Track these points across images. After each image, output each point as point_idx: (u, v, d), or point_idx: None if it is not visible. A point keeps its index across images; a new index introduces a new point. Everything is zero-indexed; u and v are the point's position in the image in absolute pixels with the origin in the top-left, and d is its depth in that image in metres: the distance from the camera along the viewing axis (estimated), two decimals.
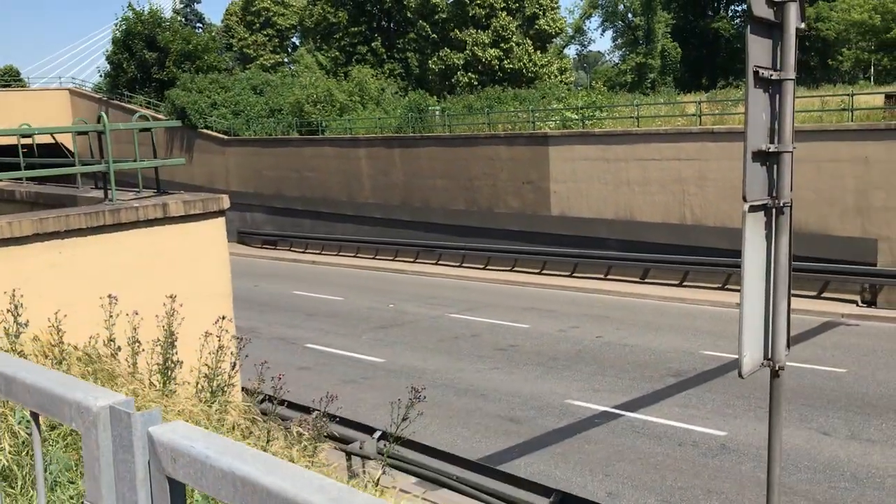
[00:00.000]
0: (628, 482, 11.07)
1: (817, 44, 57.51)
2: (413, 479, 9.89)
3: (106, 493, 1.36)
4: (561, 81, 49.38)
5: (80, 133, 11.55)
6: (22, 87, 62.67)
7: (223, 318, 7.77)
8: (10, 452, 4.26)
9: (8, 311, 7.20)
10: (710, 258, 23.32)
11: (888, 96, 25.54)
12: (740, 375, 5.22)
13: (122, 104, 47.03)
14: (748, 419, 13.09)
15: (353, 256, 34.24)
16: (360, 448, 10.20)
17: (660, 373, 16.04)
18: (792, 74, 5.26)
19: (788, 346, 5.56)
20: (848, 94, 24.13)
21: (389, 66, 51.42)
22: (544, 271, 27.60)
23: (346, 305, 24.74)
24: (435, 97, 40.81)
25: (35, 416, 1.55)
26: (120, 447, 1.32)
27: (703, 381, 15.37)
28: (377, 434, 10.16)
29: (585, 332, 19.78)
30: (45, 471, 4.16)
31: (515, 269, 28.70)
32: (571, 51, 69.60)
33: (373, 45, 51.82)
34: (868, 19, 52.03)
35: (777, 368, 5.44)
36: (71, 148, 12.11)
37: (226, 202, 9.28)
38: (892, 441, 11.95)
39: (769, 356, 5.43)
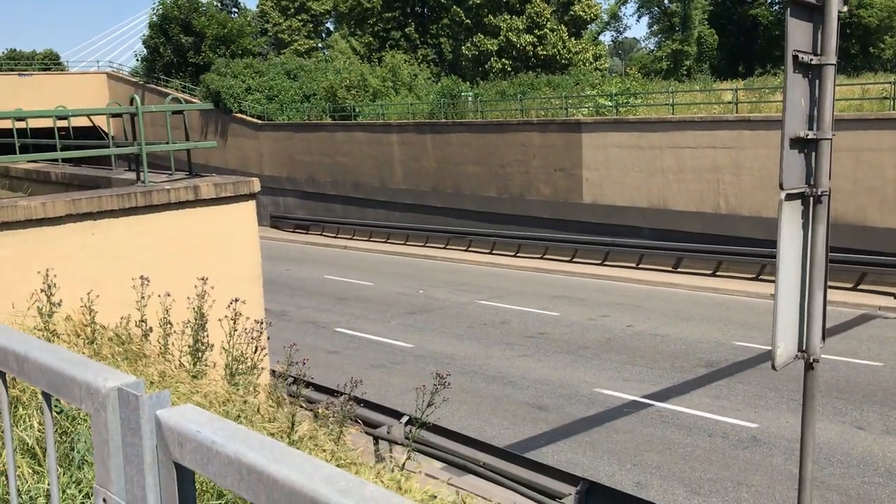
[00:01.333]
0: (657, 472, 10.97)
1: (858, 31, 56.28)
2: (439, 465, 9.88)
3: (115, 476, 1.34)
4: (595, 68, 48.88)
5: (114, 115, 11.64)
6: (61, 70, 63.59)
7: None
8: (38, 430, 4.30)
9: (41, 290, 7.29)
10: (744, 248, 22.97)
11: None
12: (774, 367, 5.10)
13: (158, 88, 47.49)
14: (780, 411, 12.90)
15: (384, 242, 34.30)
16: (388, 432, 10.22)
17: (691, 363, 15.86)
18: (833, 59, 5.10)
19: (824, 338, 5.43)
20: (890, 83, 23.55)
21: (423, 52, 51.29)
22: (575, 259, 27.42)
23: (377, 291, 24.80)
24: (468, 83, 40.63)
25: (47, 396, 1.53)
26: (128, 430, 1.30)
27: (735, 372, 15.17)
28: (404, 419, 10.17)
29: (616, 321, 19.62)
30: (73, 449, 4.19)
31: (546, 256, 28.55)
32: (606, 37, 68.82)
33: (406, 30, 51.72)
34: None
35: (811, 361, 5.31)
36: (107, 130, 12.22)
37: (256, 185, 9.31)
38: None
39: (803, 348, 5.31)
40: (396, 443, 9.92)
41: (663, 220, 25.60)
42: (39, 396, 4.79)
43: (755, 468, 11.02)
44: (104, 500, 1.36)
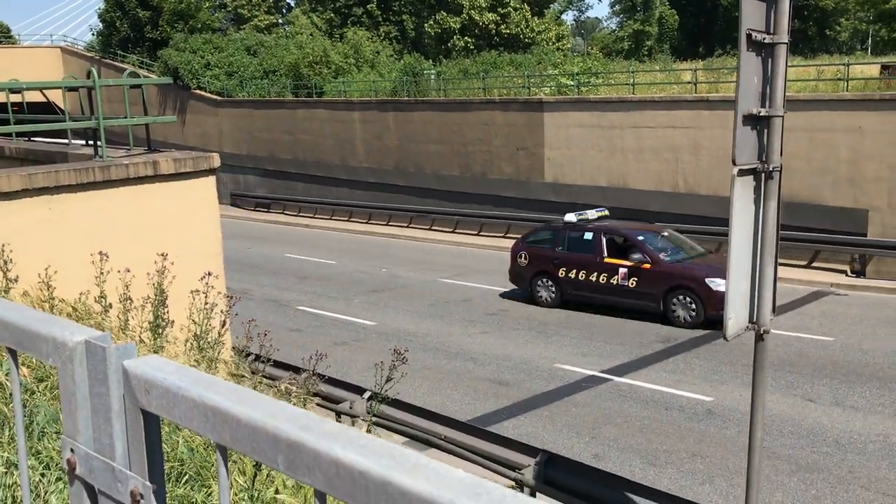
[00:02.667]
0: (614, 444, 11.21)
1: (815, 13, 57.20)
2: (401, 439, 9.99)
3: (82, 427, 1.38)
4: (558, 48, 49.02)
5: (70, 89, 11.43)
6: (12, 44, 61.90)
7: (213, 275, 7.79)
8: None
9: None
10: (702, 226, 23.36)
11: (884, 67, 25.48)
12: (725, 338, 5.27)
13: (115, 63, 46.53)
14: (735, 385, 13.24)
15: (347, 220, 34.21)
16: (350, 408, 10.30)
17: (649, 339, 16.17)
18: (785, 38, 5.23)
19: (774, 310, 5.61)
20: (844, 64, 24.04)
21: (385, 29, 50.93)
22: None
23: (339, 269, 24.77)
24: (430, 61, 40.49)
25: (13, 352, 1.57)
26: (95, 381, 1.34)
27: (692, 347, 15.51)
28: (367, 394, 10.25)
29: None
30: (33, 422, 4.19)
31: (509, 235, 28.70)
32: (569, 17, 68.96)
33: (368, 6, 51.27)
34: None
35: (762, 332, 5.49)
36: (62, 106, 12.00)
37: (216, 161, 9.24)
38: (875, 408, 12.12)
39: (754, 320, 5.48)
40: (359, 417, 10.01)
41: (623, 198, 25.89)
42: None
43: (710, 440, 11.32)
44: (72, 450, 1.41)
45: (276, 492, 4.21)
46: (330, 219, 34.98)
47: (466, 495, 0.87)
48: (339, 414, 10.36)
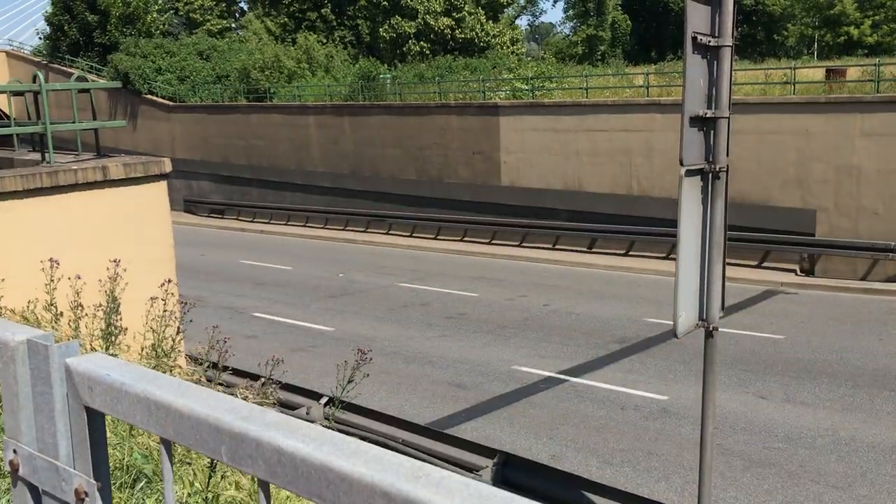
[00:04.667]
0: (571, 444, 11.32)
1: (763, 18, 58.46)
2: None
3: (25, 426, 1.37)
4: (512, 52, 49.34)
5: (15, 94, 11.19)
6: None
7: (168, 281, 7.68)
8: None
9: None
10: (655, 228, 23.72)
11: (829, 71, 26.15)
12: (675, 335, 5.36)
13: (64, 68, 45.60)
14: (689, 384, 13.44)
15: (303, 226, 33.98)
16: (307, 413, 10.23)
17: (604, 340, 16.35)
18: (730, 41, 5.36)
19: (723, 307, 5.73)
20: (790, 68, 24.63)
21: (340, 34, 50.74)
22: (494, 241, 27.79)
23: (295, 275, 24.60)
24: (386, 65, 40.45)
25: None
26: (38, 380, 1.33)
27: (646, 347, 15.72)
28: (324, 399, 10.20)
29: (533, 301, 20.03)
30: None
31: (465, 238, 28.82)
32: (523, 21, 69.48)
33: (322, 11, 51.03)
34: None
35: (711, 329, 5.60)
36: (7, 112, 11.74)
37: (168, 165, 9.13)
38: (824, 404, 12.41)
39: (704, 317, 5.59)
40: (315, 423, 9.96)
41: (579, 201, 26.17)
42: None
43: (665, 438, 11.48)
44: (14, 451, 1.40)
45: (224, 490, 4.18)
46: (286, 224, 34.72)
47: (406, 478, 0.89)
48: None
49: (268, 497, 1.05)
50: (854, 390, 12.88)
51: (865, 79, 23.63)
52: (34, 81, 9.56)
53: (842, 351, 15.00)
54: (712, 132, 5.46)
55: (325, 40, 47.85)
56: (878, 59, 25.59)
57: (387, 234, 30.95)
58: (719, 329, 5.75)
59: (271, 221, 35.33)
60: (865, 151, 20.48)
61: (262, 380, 7.86)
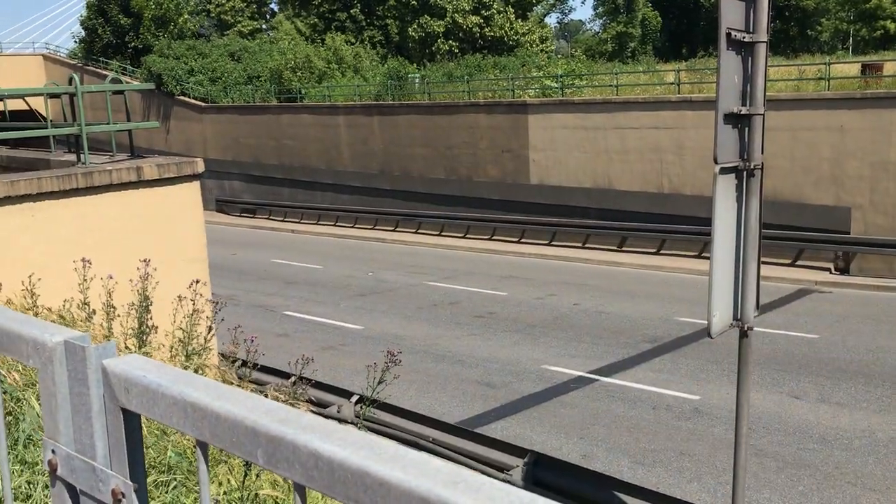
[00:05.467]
0: (602, 444, 11.24)
1: (797, 14, 57.65)
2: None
3: (63, 427, 1.38)
4: (541, 50, 49.17)
5: (52, 96, 11.37)
6: None
7: (198, 281, 7.75)
8: None
9: None
10: (687, 226, 23.49)
11: (864, 66, 25.70)
12: (709, 335, 5.30)
13: (98, 70, 46.29)
14: (721, 384, 13.30)
15: (333, 225, 34.16)
16: (338, 412, 10.28)
17: (635, 339, 16.22)
18: (764, 37, 5.28)
19: (758, 306, 5.65)
20: (825, 63, 24.24)
21: (369, 34, 50.91)
22: (523, 240, 27.70)
23: (325, 274, 24.73)
24: (414, 65, 40.52)
25: None
26: (76, 381, 1.34)
27: (678, 346, 15.57)
28: (354, 398, 10.23)
29: (563, 300, 19.93)
30: (18, 429, 4.17)
31: (494, 237, 28.76)
32: (552, 19, 69.20)
33: (352, 11, 51.24)
34: None
35: (745, 329, 5.53)
36: (44, 114, 11.92)
37: (200, 166, 9.22)
38: (860, 404, 12.20)
39: (738, 317, 5.52)
40: (346, 421, 9.99)
41: (608, 200, 26.00)
42: None
43: (697, 438, 11.37)
44: (53, 451, 1.41)
45: (261, 488, 4.20)
46: (316, 223, 34.92)
47: (444, 484, 0.88)
48: (326, 418, 10.35)
49: (304, 501, 1.05)
50: (892, 391, 12.65)
51: None
52: (70, 84, 9.70)
53: (878, 351, 14.74)
54: (747, 129, 5.38)
55: (354, 40, 48.05)
56: None
57: (416, 233, 30.99)
58: (754, 328, 5.66)
59: (302, 221, 35.56)
60: None
61: (293, 378, 7.90)
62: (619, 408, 12.62)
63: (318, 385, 10.74)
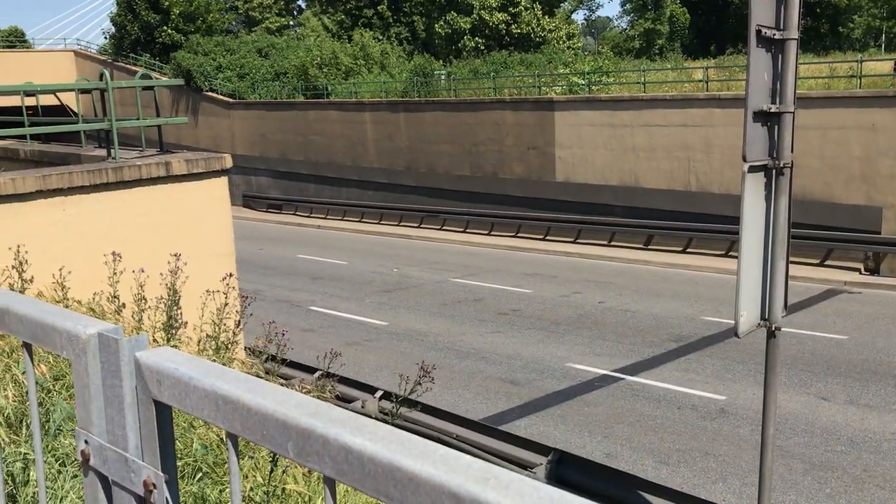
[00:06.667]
0: (626, 443, 11.19)
1: (828, 10, 56.86)
2: None
3: (96, 418, 1.40)
4: (568, 47, 48.93)
5: (83, 91, 11.51)
6: (27, 48, 62.34)
7: (229, 275, 7.82)
8: (13, 400, 4.33)
9: (13, 267, 7.26)
10: (714, 225, 23.28)
11: None
12: (736, 335, 5.25)
13: (127, 66, 46.82)
14: (747, 384, 13.18)
15: (358, 221, 34.28)
16: (362, 407, 10.32)
17: (660, 338, 16.11)
18: (795, 34, 5.21)
19: (786, 306, 5.59)
20: (856, 61, 23.88)
21: (395, 30, 50.98)
22: (548, 237, 27.61)
23: (351, 269, 24.83)
24: (441, 61, 40.52)
25: (28, 346, 1.59)
26: (108, 372, 1.36)
27: (704, 346, 15.44)
28: (378, 393, 10.27)
29: (587, 298, 19.85)
30: (49, 420, 4.23)
31: (519, 234, 28.71)
32: (579, 16, 68.84)
33: (378, 8, 51.34)
34: None
35: (773, 329, 5.47)
36: (75, 109, 12.08)
37: (228, 161, 9.29)
38: (889, 406, 12.04)
39: (766, 317, 5.47)
40: (371, 416, 10.04)
41: (635, 198, 25.83)
42: (13, 368, 4.82)
43: (723, 439, 11.28)
44: (86, 441, 1.43)
45: (286, 483, 4.23)
46: (342, 219, 35.06)
47: (474, 479, 0.88)
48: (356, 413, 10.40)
49: (333, 494, 1.05)
50: None
51: None
52: (101, 79, 9.82)
53: None
54: (776, 127, 5.32)
55: (381, 37, 48.12)
56: None
57: (441, 229, 31.01)
58: (781, 329, 5.60)
59: (328, 217, 35.71)
60: None
61: (319, 373, 7.95)
62: (643, 407, 12.55)
63: (343, 380, 10.81)
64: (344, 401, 10.60)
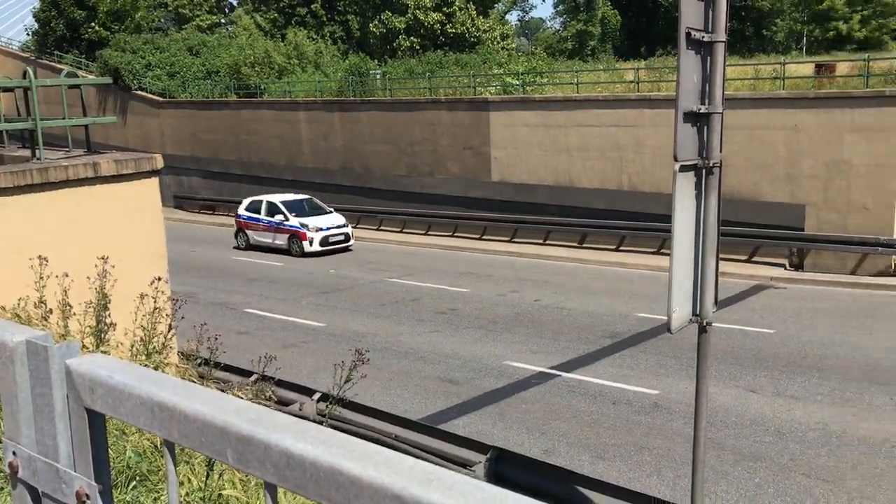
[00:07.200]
0: (563, 439, 11.34)
1: (752, 14, 58.63)
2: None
3: (25, 428, 1.36)
4: (503, 47, 49.34)
5: (4, 90, 11.10)
6: None
7: (158, 278, 7.64)
8: None
9: None
10: (646, 223, 23.78)
11: (818, 66, 26.25)
12: (669, 331, 5.37)
13: (52, 63, 45.31)
14: (680, 378, 13.50)
15: None
16: (300, 410, 10.22)
17: (596, 335, 16.38)
18: (723, 37, 5.36)
19: (716, 302, 5.74)
20: (780, 63, 24.70)
21: (330, 29, 50.61)
22: (485, 237, 27.80)
23: (286, 271, 24.55)
24: (376, 61, 40.39)
25: None
26: (38, 381, 1.32)
27: (638, 342, 15.76)
28: (316, 395, 10.18)
29: (524, 296, 20.05)
30: None
31: (456, 234, 28.82)
32: (513, 17, 69.44)
33: (312, 6, 50.88)
34: None
35: (704, 324, 5.61)
36: None
37: (159, 162, 9.08)
38: (814, 397, 12.48)
39: (697, 312, 5.60)
40: (309, 419, 9.94)
41: (569, 197, 26.20)
42: None
43: (656, 432, 11.52)
44: (14, 453, 1.38)
45: (223, 489, 4.16)
46: None
47: (418, 481, 0.88)
48: (298, 417, 10.28)
49: (275, 499, 1.04)
50: (844, 384, 12.96)
51: (854, 74, 23.73)
52: (24, 77, 9.48)
53: (831, 345, 15.09)
54: (706, 128, 5.47)
55: (315, 36, 47.70)
56: (867, 54, 25.69)
57: (378, 229, 30.92)
58: (712, 324, 5.76)
59: None
60: (855, 146, 20.56)
61: (255, 376, 7.84)
62: (580, 403, 12.74)
63: (280, 383, 10.68)
64: (282, 404, 10.48)
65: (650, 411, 12.29)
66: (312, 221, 27.21)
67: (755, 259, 22.46)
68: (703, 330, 5.65)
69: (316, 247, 26.61)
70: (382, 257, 26.13)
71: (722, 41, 5.35)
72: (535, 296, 20.02)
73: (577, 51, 54.46)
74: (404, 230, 30.25)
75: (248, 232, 28.60)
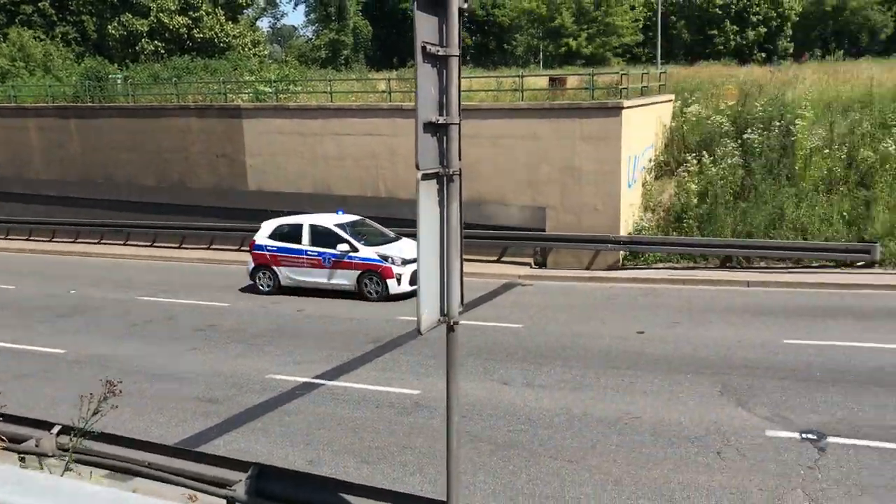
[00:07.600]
0: (328, 448, 11.33)
1: (495, 29, 62.38)
2: (103, 473, 9.24)
3: None
4: (254, 54, 48.37)
5: None
6: None
7: None
8: None
9: None
10: (405, 229, 24.38)
11: (552, 79, 28.50)
12: (419, 332, 5.55)
13: None
14: (440, 377, 13.88)
15: (25, 240, 30.94)
16: (36, 446, 9.30)
17: (359, 341, 16.55)
18: (457, 51, 5.63)
19: (462, 302, 6.02)
20: (519, 76, 26.48)
21: (62, 30, 46.68)
22: (243, 248, 27.06)
23: (18, 294, 22.30)
24: (116, 65, 37.92)
25: None
26: None
27: (399, 345, 16.14)
28: (56, 429, 9.33)
29: (286, 307, 19.78)
30: None
31: (213, 246, 27.81)
32: (265, 23, 68.32)
33: (40, 4, 46.64)
34: (535, 8, 57.28)
35: (452, 323, 5.87)
36: None
37: None
38: (559, 385, 13.50)
39: (445, 312, 5.85)
40: (48, 455, 9.09)
41: (329, 205, 26.21)
42: None
43: (418, 431, 11.86)
44: None
45: None
46: (5, 238, 31.36)
47: None
48: (22, 455, 9.32)
49: None
50: (584, 370, 14.14)
51: (582, 87, 26.04)
52: None
53: (573, 336, 16.41)
54: (445, 138, 5.72)
55: (43, 37, 43.78)
56: (592, 69, 28.29)
57: (125, 244, 29.04)
58: (461, 322, 6.04)
59: None
60: (584, 154, 22.55)
61: None
62: (344, 409, 12.80)
63: (10, 418, 9.69)
64: (13, 441, 9.49)
65: (412, 411, 12.62)
66: (393, 251, 21.00)
67: (504, 259, 23.89)
68: (451, 329, 5.90)
69: (405, 286, 20.17)
70: (131, 274, 24.56)
71: (456, 55, 5.63)
72: (297, 306, 19.81)
73: (330, 59, 54.77)
74: (155, 244, 28.66)
75: (280, 269, 21.66)
